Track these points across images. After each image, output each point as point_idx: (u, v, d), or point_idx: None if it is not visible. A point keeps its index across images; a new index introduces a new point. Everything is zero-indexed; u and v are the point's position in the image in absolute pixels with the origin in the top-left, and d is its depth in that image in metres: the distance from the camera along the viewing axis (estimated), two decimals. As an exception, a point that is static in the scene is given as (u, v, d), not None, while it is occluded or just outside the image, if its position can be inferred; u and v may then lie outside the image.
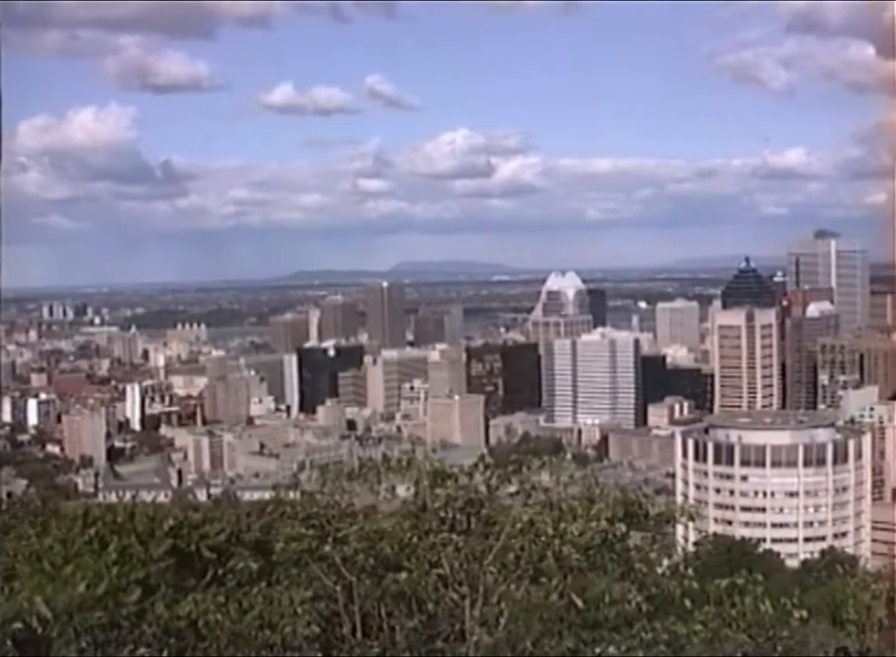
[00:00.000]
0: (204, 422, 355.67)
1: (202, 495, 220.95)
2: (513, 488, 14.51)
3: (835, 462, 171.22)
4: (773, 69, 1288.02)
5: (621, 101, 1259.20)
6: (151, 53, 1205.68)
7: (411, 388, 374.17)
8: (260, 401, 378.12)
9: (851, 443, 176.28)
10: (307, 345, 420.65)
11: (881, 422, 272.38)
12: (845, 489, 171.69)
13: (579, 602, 12.79)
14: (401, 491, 15.01)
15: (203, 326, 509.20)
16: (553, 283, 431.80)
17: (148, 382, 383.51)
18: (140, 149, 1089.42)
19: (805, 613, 13.85)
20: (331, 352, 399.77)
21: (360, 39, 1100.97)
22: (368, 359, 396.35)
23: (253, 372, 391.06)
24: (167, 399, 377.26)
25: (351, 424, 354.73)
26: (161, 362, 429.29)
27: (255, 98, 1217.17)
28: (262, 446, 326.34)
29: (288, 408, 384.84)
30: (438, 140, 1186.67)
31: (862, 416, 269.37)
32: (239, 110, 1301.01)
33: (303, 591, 12.90)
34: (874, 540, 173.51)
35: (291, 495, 15.83)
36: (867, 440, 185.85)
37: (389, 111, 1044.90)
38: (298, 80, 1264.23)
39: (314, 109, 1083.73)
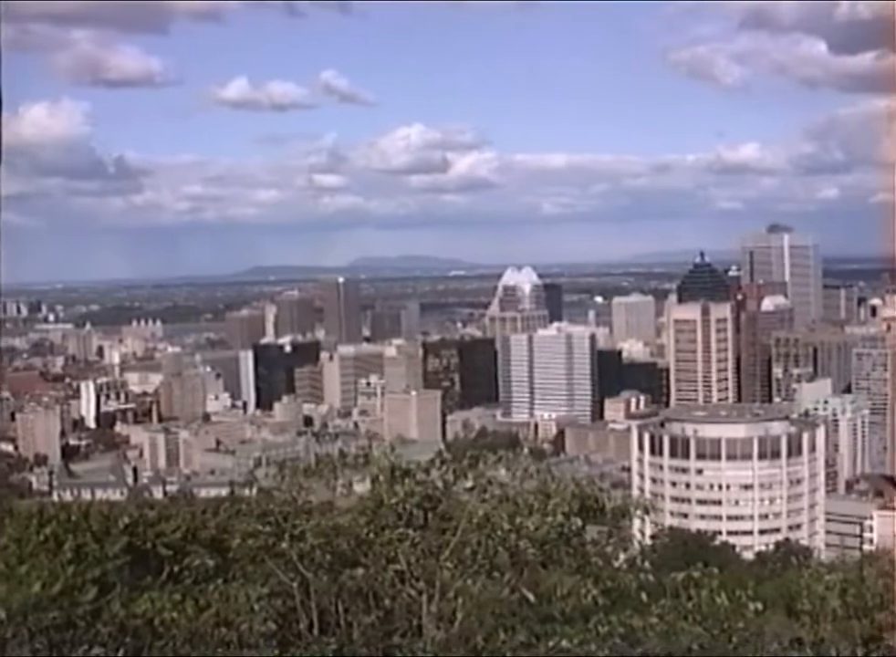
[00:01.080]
0: (160, 420, 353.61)
1: (158, 493, 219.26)
2: (469, 483, 14.52)
3: (789, 454, 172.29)
4: (726, 65, 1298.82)
5: (576, 97, 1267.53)
6: (103, 48, 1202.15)
7: (368, 383, 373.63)
8: (216, 398, 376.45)
9: (805, 436, 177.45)
10: (264, 341, 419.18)
11: (835, 415, 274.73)
12: (799, 481, 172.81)
13: (531, 597, 12.83)
14: (358, 487, 15.01)
15: (158, 322, 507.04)
16: (509, 278, 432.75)
17: (103, 380, 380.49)
18: (94, 144, 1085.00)
19: (759, 605, 13.95)
20: (287, 348, 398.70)
21: (315, 34, 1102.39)
22: (324, 354, 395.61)
23: (209, 369, 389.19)
24: (122, 396, 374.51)
25: (308, 420, 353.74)
26: (117, 359, 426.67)
27: (209, 93, 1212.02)
28: (218, 443, 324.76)
29: (245, 404, 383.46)
30: (393, 136, 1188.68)
31: (816, 409, 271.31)
32: (193, 106, 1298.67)
33: (259, 588, 12.88)
34: (828, 532, 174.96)
35: (247, 491, 15.86)
36: (821, 432, 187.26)
37: (344, 107, 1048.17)
38: (253, 75, 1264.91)
39: (269, 104, 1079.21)
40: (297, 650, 12.56)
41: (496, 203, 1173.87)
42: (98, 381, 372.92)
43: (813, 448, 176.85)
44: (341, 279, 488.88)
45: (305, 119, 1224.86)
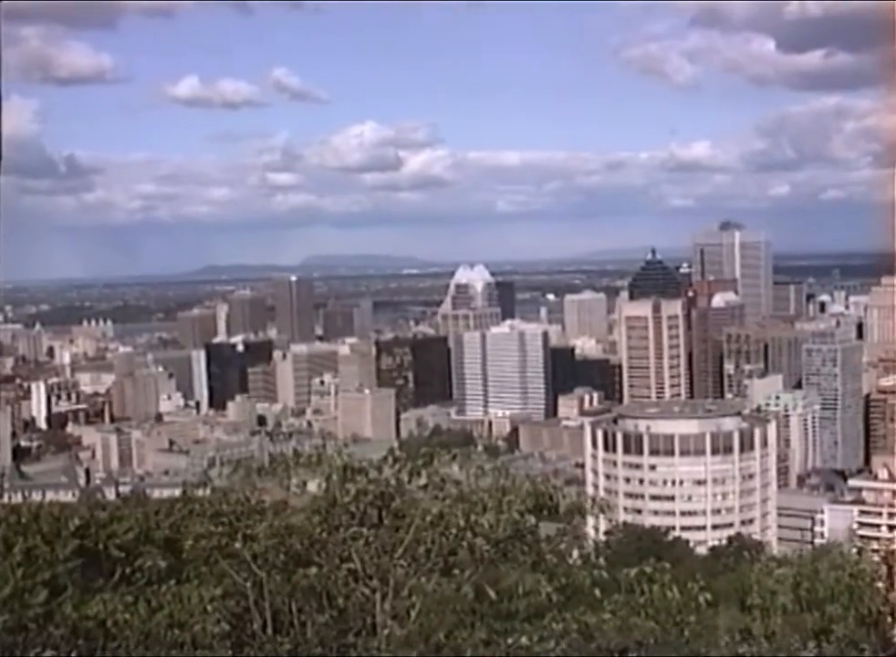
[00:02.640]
0: (112, 420, 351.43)
1: (110, 494, 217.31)
2: (423, 481, 14.51)
3: (741, 450, 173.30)
4: (678, 63, 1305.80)
5: (530, 94, 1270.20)
6: (52, 44, 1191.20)
7: (321, 382, 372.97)
8: (169, 398, 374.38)
9: (757, 431, 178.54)
10: (216, 340, 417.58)
11: (786, 411, 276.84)
12: (751, 476, 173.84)
13: (492, 594, 12.85)
14: (312, 486, 14.96)
15: (109, 322, 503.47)
16: (462, 276, 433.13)
17: (54, 380, 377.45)
18: (44, 142, 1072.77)
19: (711, 599, 14.03)
20: (240, 347, 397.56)
21: (266, 32, 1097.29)
22: (277, 353, 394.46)
23: (161, 368, 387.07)
24: (74, 397, 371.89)
25: (262, 420, 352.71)
26: (68, 360, 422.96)
27: (160, 90, 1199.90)
28: (171, 443, 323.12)
29: (198, 404, 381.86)
30: (346, 134, 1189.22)
31: (768, 404, 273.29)
32: (144, 103, 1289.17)
33: (213, 589, 12.81)
34: (780, 526, 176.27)
35: (201, 492, 15.70)
36: (772, 428, 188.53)
37: (296, 104, 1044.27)
38: (204, 73, 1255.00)
39: (220, 102, 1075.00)
40: (251, 650, 12.52)
41: (450, 201, 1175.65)
42: (49, 382, 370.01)
43: (765, 443, 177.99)
44: (294, 278, 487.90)
45: (257, 117, 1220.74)
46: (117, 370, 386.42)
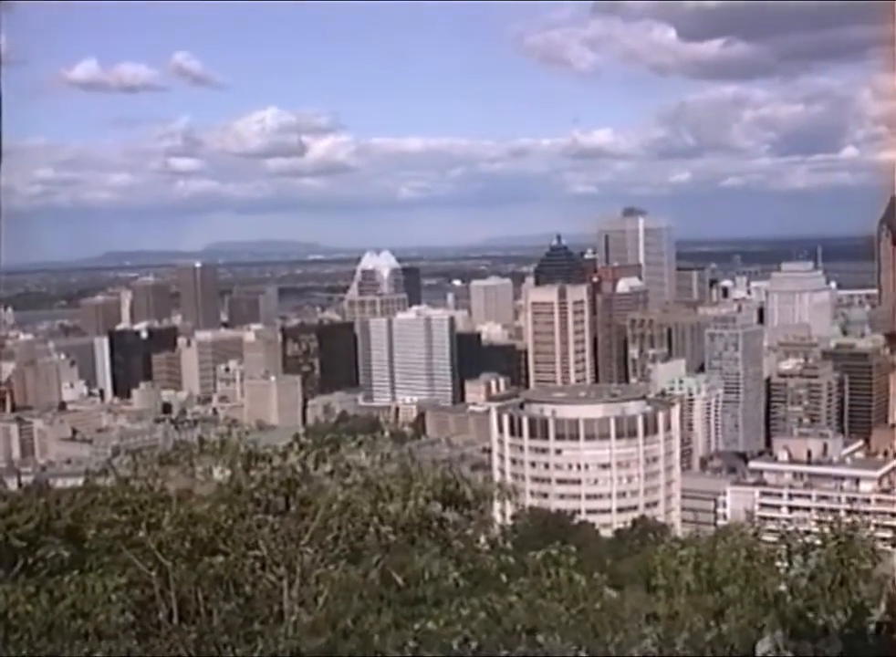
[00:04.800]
0: (13, 409, 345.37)
1: (12, 484, 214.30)
2: (329, 468, 14.51)
3: (646, 434, 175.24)
4: (579, 50, 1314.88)
5: (432, 81, 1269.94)
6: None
7: (227, 369, 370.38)
8: (71, 386, 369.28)
9: (661, 415, 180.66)
10: (119, 327, 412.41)
11: (689, 394, 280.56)
12: (655, 460, 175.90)
13: (399, 580, 12.89)
14: (217, 474, 14.89)
15: (9, 309, 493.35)
16: (368, 262, 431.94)
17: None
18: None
19: (617, 581, 14.22)
20: (144, 334, 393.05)
21: (166, 15, 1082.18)
22: (182, 340, 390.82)
23: (63, 356, 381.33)
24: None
25: (167, 407, 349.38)
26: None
27: (57, 74, 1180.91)
28: (74, 432, 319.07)
29: (101, 392, 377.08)
30: (248, 119, 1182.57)
31: (671, 388, 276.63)
32: (41, 87, 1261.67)
33: (117, 578, 12.69)
34: (684, 508, 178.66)
35: (104, 481, 15.52)
36: (675, 412, 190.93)
37: (197, 89, 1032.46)
38: (102, 56, 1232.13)
39: (119, 86, 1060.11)
40: (157, 640, 12.43)
41: (354, 187, 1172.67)
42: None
43: (668, 427, 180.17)
44: (198, 264, 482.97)
45: (157, 102, 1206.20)
46: (18, 359, 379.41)
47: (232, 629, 12.64)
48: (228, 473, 14.48)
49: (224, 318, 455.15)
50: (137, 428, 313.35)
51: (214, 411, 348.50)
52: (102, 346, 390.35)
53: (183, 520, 13.75)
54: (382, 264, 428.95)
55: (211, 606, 13.01)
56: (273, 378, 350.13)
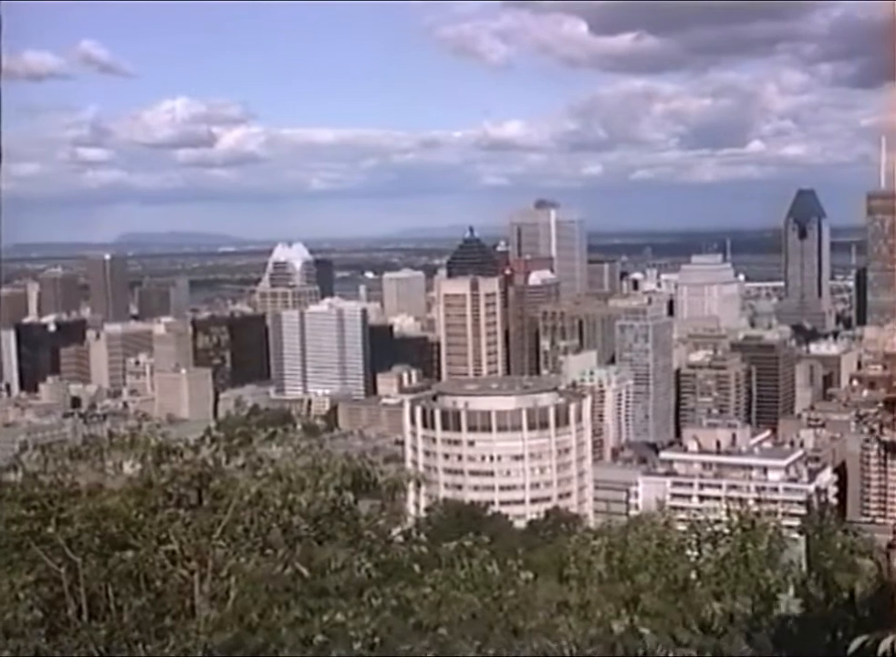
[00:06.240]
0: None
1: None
2: (241, 461, 14.45)
3: (558, 425, 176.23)
4: (491, 42, 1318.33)
5: (343, 72, 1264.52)
6: None
7: (137, 362, 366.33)
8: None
9: (573, 407, 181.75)
10: (26, 320, 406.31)
11: (600, 386, 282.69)
12: (567, 451, 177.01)
13: (305, 572, 12.85)
14: (128, 468, 14.76)
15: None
16: (280, 254, 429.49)
17: None
18: None
19: (530, 572, 14.31)
20: (52, 327, 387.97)
21: (72, 3, 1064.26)
22: (91, 333, 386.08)
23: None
24: None
25: (76, 402, 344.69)
26: None
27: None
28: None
29: (8, 386, 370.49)
30: (157, 109, 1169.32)
31: (583, 380, 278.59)
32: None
33: (25, 575, 12.55)
34: (596, 499, 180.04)
35: (12, 476, 15.31)
36: (587, 403, 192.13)
37: (105, 78, 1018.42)
38: (5, 44, 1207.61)
39: (25, 73, 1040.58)
40: (66, 637, 12.29)
41: (265, 178, 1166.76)
42: None
43: (580, 418, 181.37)
44: (107, 256, 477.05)
45: (64, 90, 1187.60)
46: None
47: (142, 625, 12.53)
48: (139, 467, 14.37)
49: (134, 310, 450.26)
50: (45, 423, 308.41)
51: (125, 404, 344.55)
52: (8, 339, 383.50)
53: (93, 515, 13.62)
54: (294, 256, 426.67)
55: (121, 602, 12.89)
56: (184, 371, 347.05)
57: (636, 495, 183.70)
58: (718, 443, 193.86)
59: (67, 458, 14.86)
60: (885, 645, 6.78)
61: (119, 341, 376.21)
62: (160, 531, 13.45)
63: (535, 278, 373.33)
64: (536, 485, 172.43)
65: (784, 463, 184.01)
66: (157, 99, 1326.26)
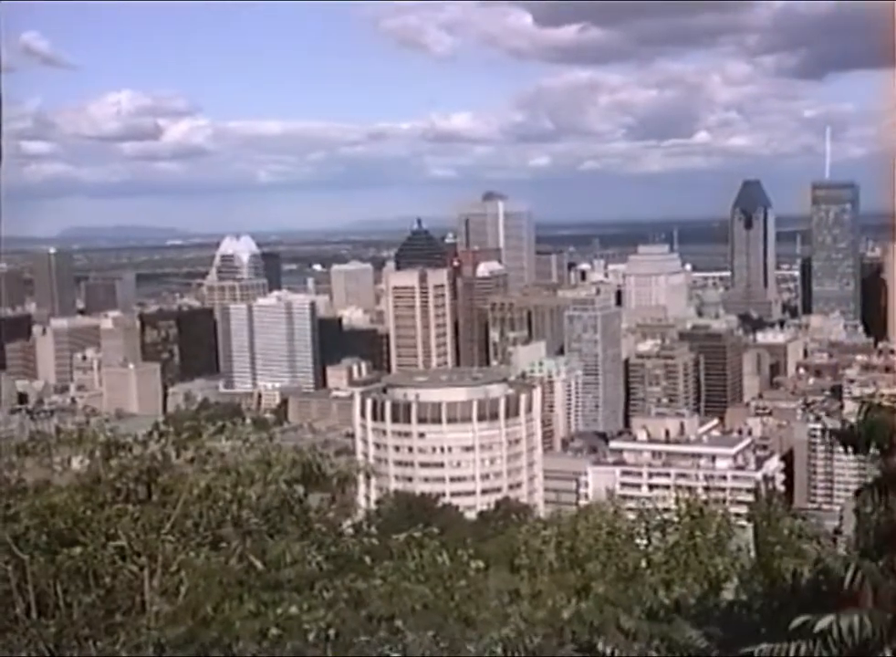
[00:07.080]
0: None
1: None
2: (190, 455, 14.40)
3: (507, 416, 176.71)
4: (436, 34, 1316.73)
5: (289, 64, 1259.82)
6: None
7: (84, 357, 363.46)
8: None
9: (522, 398, 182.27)
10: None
11: (550, 376, 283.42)
12: (518, 441, 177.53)
13: (258, 564, 12.83)
14: (76, 464, 14.67)
15: None
16: (227, 247, 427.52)
17: None
18: None
19: (481, 563, 14.35)
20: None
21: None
22: (37, 328, 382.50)
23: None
24: None
25: (22, 398, 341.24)
26: None
27: None
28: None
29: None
30: (102, 102, 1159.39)
31: (532, 371, 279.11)
32: None
33: (-29, 574, 12.44)
34: (546, 489, 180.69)
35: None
36: (537, 393, 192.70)
37: (47, 70, 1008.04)
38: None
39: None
40: (15, 635, 12.20)
41: (211, 171, 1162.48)
42: None
43: (530, 409, 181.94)
44: (52, 250, 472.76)
45: (4, 82, 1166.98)
46: None
47: (92, 621, 12.47)
48: (87, 462, 14.28)
49: (81, 305, 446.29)
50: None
51: (72, 400, 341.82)
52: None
53: (41, 512, 13.53)
54: (242, 249, 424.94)
55: (70, 599, 12.81)
56: (132, 365, 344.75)
57: (586, 484, 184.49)
58: (667, 432, 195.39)
59: (13, 454, 14.77)
60: (821, 624, 6.97)
61: (66, 336, 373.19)
62: (108, 527, 13.37)
63: (483, 270, 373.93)
64: (486, 476, 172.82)
65: (732, 451, 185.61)
66: (102, 92, 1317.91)
